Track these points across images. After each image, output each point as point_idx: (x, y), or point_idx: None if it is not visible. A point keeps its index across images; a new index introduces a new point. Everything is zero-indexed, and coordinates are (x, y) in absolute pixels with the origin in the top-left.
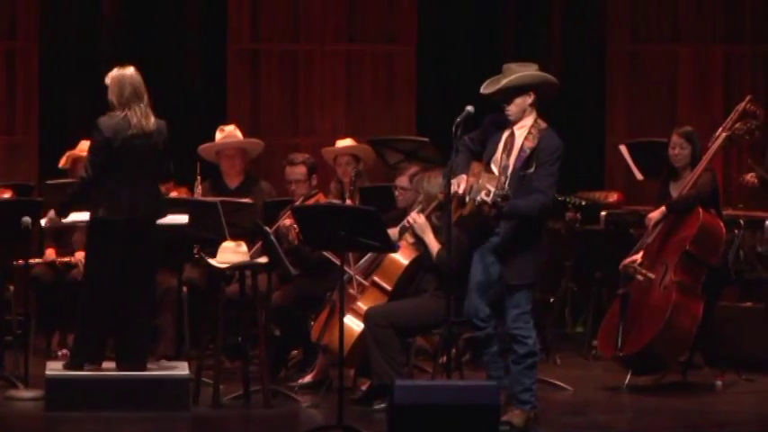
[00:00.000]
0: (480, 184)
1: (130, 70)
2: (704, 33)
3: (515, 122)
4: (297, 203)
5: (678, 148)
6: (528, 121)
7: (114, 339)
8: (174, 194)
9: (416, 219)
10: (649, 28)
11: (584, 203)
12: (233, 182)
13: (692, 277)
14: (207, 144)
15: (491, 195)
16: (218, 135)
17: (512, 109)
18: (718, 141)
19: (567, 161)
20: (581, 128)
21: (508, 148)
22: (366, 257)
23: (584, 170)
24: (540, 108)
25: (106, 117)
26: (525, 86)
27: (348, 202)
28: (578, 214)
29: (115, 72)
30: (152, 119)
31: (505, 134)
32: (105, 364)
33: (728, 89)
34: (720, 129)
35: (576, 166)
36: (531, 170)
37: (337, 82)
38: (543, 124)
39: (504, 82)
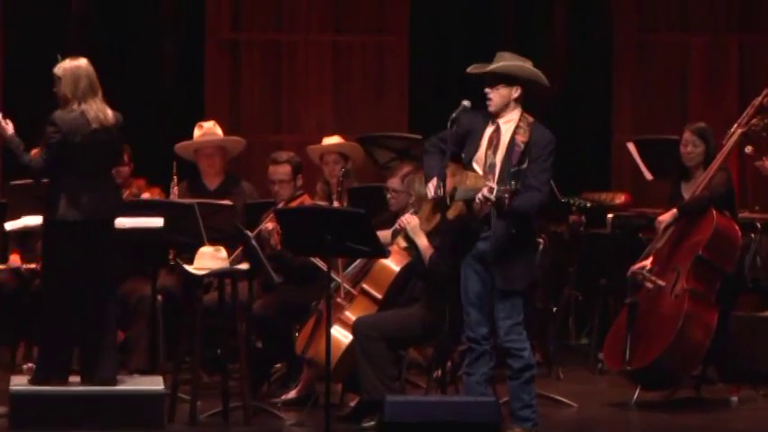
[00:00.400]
0: (468, 185)
1: (84, 62)
2: (717, 22)
3: (496, 114)
4: (280, 205)
5: (690, 146)
6: (514, 115)
7: (79, 351)
8: (146, 195)
9: (410, 220)
10: (657, 16)
11: (589, 205)
12: (212, 182)
13: (706, 285)
14: (184, 142)
15: (494, 192)
16: (197, 132)
17: (494, 96)
18: (734, 138)
19: (570, 160)
20: (585, 125)
21: (494, 145)
22: (355, 264)
23: (589, 170)
24: (525, 107)
25: (62, 112)
26: (514, 77)
27: (335, 203)
28: (583, 217)
29: (67, 64)
30: (109, 111)
31: (489, 130)
32: (73, 379)
33: (744, 82)
34: (735, 125)
35: (581, 166)
36: (524, 166)
37: (324, 75)
38: (530, 118)
39: (493, 66)
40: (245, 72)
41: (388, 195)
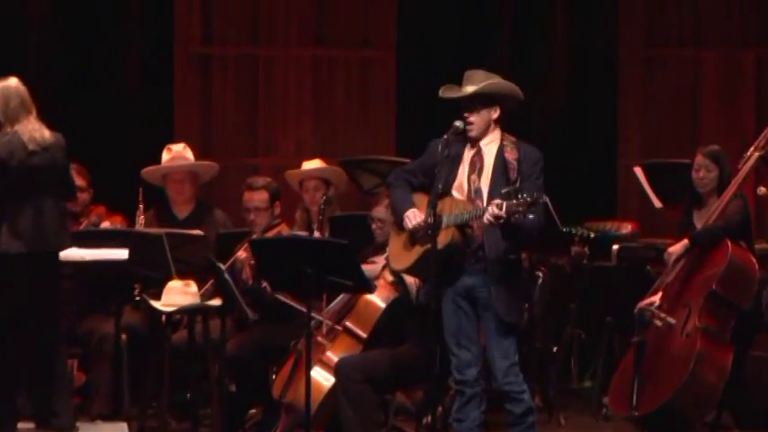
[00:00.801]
0: (454, 210)
1: (14, 81)
2: (733, 36)
3: (477, 138)
4: (256, 235)
5: (703, 171)
6: (495, 135)
7: (27, 395)
8: (105, 224)
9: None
10: (667, 29)
11: (592, 235)
12: (181, 211)
13: (720, 322)
14: (151, 167)
15: (503, 207)
16: (165, 156)
17: (476, 120)
18: (750, 162)
19: (573, 186)
20: (588, 147)
21: (478, 168)
22: (337, 299)
23: (593, 196)
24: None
25: None
26: (495, 97)
27: (316, 233)
28: (586, 248)
29: None
30: (46, 131)
31: (468, 154)
32: (23, 425)
33: (761, 101)
34: (752, 147)
35: (584, 192)
36: (516, 185)
37: (303, 92)
38: (511, 137)
39: (474, 87)
40: (217, 89)
41: (373, 225)
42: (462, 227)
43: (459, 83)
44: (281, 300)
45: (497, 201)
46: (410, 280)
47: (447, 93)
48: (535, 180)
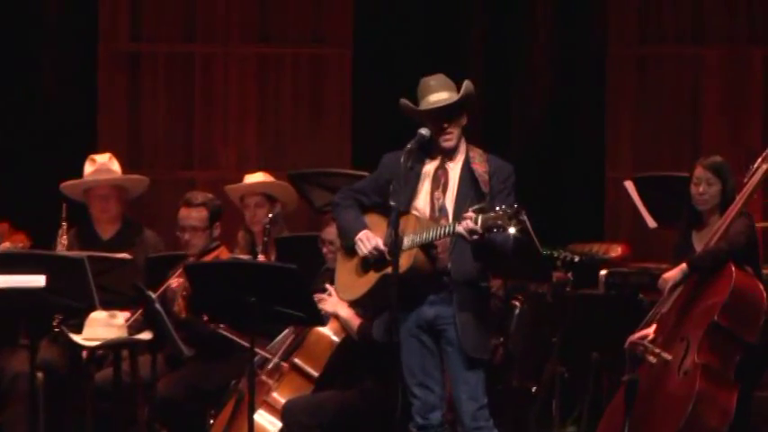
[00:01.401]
0: (415, 229)
1: None
2: (738, 32)
3: (451, 150)
4: (191, 259)
5: (703, 186)
6: (461, 146)
7: None
8: (5, 245)
9: (329, 289)
10: (663, 24)
11: (577, 259)
12: (106, 231)
13: (722, 359)
14: (72, 181)
15: (478, 221)
16: (88, 168)
17: (454, 132)
18: (758, 176)
19: (554, 204)
20: (573, 159)
21: (443, 184)
22: (284, 333)
23: (578, 215)
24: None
25: None
26: (471, 101)
27: (260, 257)
28: (569, 274)
29: None
30: None
31: (429, 169)
32: None
33: None
34: (760, 159)
35: (568, 210)
36: (486, 203)
37: (246, 96)
38: (477, 148)
39: (453, 94)
40: (147, 92)
41: (324, 248)
42: (425, 248)
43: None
44: (220, 334)
45: (470, 214)
46: (347, 313)
47: (429, 105)
48: (506, 197)
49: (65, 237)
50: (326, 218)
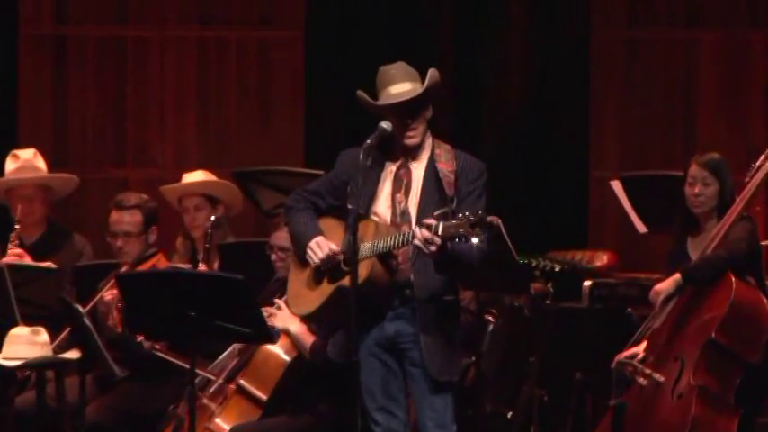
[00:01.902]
0: (373, 236)
1: None
2: (736, 13)
3: (415, 148)
4: (125, 268)
5: (699, 186)
6: (426, 142)
7: None
8: None
9: (279, 303)
10: (654, 5)
11: (557, 269)
12: (29, 235)
13: (721, 380)
14: None
15: (438, 229)
16: (9, 165)
17: (419, 128)
18: (760, 175)
19: (532, 206)
20: (552, 156)
21: (405, 185)
22: (227, 351)
23: (559, 219)
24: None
25: None
26: (436, 92)
27: (201, 266)
28: (549, 285)
29: None
30: None
31: (390, 169)
32: None
33: None
34: (763, 156)
35: (547, 214)
36: (453, 206)
37: (185, 85)
38: (445, 144)
39: (417, 85)
40: (74, 81)
41: (274, 255)
42: (384, 258)
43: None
44: (157, 354)
45: (430, 221)
46: (299, 329)
47: (390, 98)
48: (476, 199)
49: None
50: (276, 221)
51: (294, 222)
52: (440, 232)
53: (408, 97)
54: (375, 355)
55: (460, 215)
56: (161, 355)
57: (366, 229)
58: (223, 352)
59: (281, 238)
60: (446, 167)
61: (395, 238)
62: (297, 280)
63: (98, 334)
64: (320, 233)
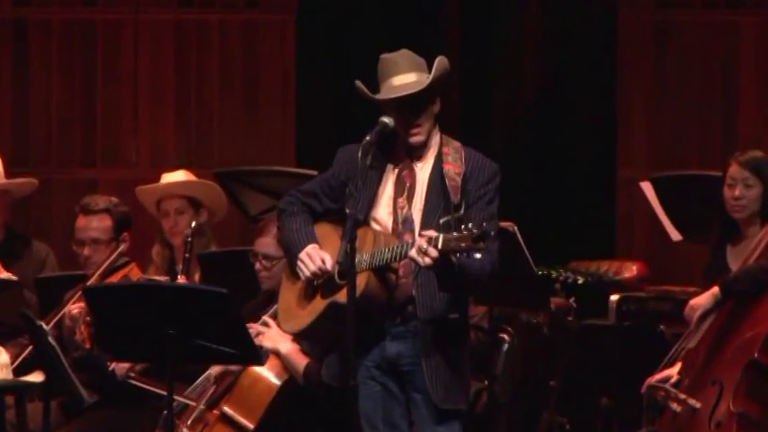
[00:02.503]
0: (371, 246)
1: None
2: None
3: (421, 146)
4: (93, 280)
5: (740, 188)
6: (433, 139)
7: None
8: None
9: (268, 321)
10: None
11: (581, 281)
12: None
13: (764, 406)
14: None
15: (438, 242)
16: None
17: (424, 125)
18: None
19: (553, 211)
20: (575, 155)
21: (408, 189)
22: (206, 374)
23: (582, 225)
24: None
25: None
26: (444, 83)
27: (180, 278)
28: (572, 299)
29: None
30: None
31: (392, 170)
32: None
33: None
34: None
35: (569, 220)
36: (461, 212)
37: (162, 74)
38: (455, 141)
39: (425, 76)
40: (36, 70)
41: (258, 265)
42: (382, 271)
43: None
44: (132, 383)
45: (430, 232)
46: (290, 350)
47: (392, 91)
48: (486, 205)
49: None
50: (259, 225)
51: (286, 228)
52: (439, 245)
53: (412, 91)
54: (374, 379)
55: (463, 227)
56: (137, 384)
57: (364, 238)
58: (201, 374)
59: (266, 244)
60: (453, 169)
61: (393, 249)
62: (288, 293)
63: (64, 353)
64: (314, 241)
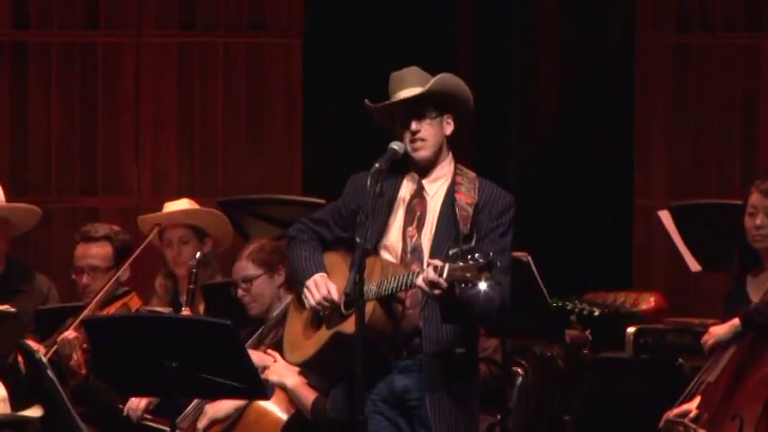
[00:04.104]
0: (379, 276)
1: None
2: None
3: (427, 162)
4: (89, 308)
5: (761, 216)
6: (446, 166)
7: None
8: None
9: (273, 354)
10: (708, 7)
11: (597, 313)
12: None
13: None
14: None
15: (444, 271)
16: None
17: (427, 132)
18: None
19: (567, 241)
20: (590, 182)
21: (418, 218)
22: (194, 403)
23: (598, 255)
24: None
25: None
26: (451, 100)
27: (185, 310)
28: (587, 332)
29: None
30: None
31: (404, 196)
32: None
33: None
34: None
35: (584, 250)
36: (471, 244)
37: (164, 98)
38: (470, 172)
39: (424, 87)
40: (35, 95)
41: (240, 291)
42: (388, 301)
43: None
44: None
45: (437, 261)
46: (297, 384)
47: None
48: (499, 237)
49: None
50: (237, 249)
51: (294, 256)
52: (445, 274)
53: (405, 97)
54: (382, 413)
55: (470, 257)
56: (152, 425)
57: (372, 268)
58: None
59: (242, 268)
60: (465, 199)
61: (399, 278)
62: (294, 324)
63: (62, 384)
64: (322, 270)
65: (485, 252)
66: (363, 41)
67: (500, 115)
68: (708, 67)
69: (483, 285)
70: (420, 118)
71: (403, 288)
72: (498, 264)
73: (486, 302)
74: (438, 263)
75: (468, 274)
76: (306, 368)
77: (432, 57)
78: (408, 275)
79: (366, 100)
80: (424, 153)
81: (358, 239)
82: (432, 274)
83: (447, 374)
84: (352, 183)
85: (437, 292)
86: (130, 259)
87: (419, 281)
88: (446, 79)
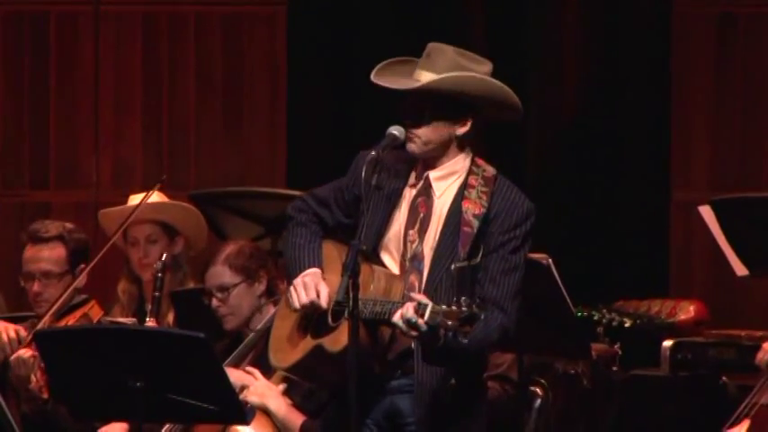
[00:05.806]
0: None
1: None
2: None
3: (427, 158)
4: (43, 321)
5: None
6: (458, 163)
7: None
8: None
9: (252, 372)
10: None
11: (628, 324)
12: None
13: None
14: None
15: (426, 312)
16: None
17: (423, 132)
18: None
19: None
20: (620, 176)
21: (421, 221)
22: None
23: (631, 258)
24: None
25: None
26: (465, 99)
27: (150, 321)
28: (617, 346)
29: None
30: None
31: (410, 191)
32: None
33: None
34: None
35: (615, 252)
36: (477, 259)
37: (127, 77)
38: (490, 169)
39: (432, 78)
40: None
41: (214, 301)
42: (373, 325)
43: (414, 54)
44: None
45: (419, 297)
46: (280, 406)
47: (387, 80)
48: (509, 254)
49: None
50: (205, 260)
51: (290, 241)
52: (426, 316)
53: (394, 87)
54: None
55: (454, 301)
56: None
57: (363, 277)
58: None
59: (216, 275)
60: (472, 209)
61: (378, 305)
62: (284, 319)
63: (13, 404)
64: (316, 263)
65: (491, 273)
66: (357, 9)
67: (522, 98)
68: (754, 40)
69: (463, 340)
70: (418, 116)
71: (379, 319)
72: (482, 315)
73: (477, 345)
74: (421, 299)
75: (449, 322)
76: (291, 372)
77: (438, 28)
78: (387, 305)
79: (374, 73)
80: (413, 148)
81: (352, 241)
82: (410, 313)
83: (444, 404)
84: (360, 162)
85: (413, 333)
86: (91, 264)
87: (396, 317)
88: (456, 78)
